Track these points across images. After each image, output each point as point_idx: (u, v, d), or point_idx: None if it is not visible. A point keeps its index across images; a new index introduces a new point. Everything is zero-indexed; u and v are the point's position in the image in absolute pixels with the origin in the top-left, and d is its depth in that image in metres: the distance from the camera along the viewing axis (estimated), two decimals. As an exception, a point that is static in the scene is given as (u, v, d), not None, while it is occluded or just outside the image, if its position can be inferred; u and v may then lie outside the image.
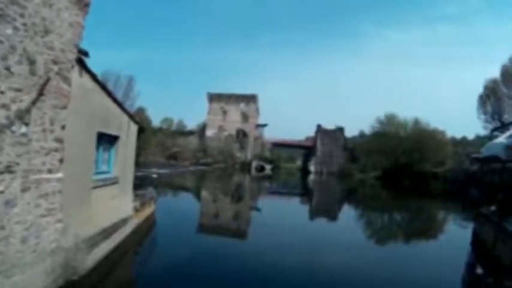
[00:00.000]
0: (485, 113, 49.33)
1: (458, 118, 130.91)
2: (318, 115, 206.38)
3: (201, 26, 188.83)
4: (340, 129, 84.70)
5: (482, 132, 52.14)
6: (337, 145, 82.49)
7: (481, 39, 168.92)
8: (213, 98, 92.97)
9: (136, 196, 13.93)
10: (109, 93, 9.96)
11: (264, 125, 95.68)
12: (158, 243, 12.99)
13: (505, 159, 11.84)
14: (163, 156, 74.33)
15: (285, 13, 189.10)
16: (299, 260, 11.54)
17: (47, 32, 5.79)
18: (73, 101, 6.90)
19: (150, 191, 17.24)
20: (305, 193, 44.15)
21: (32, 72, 5.55)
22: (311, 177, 72.29)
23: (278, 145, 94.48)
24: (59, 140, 6.49)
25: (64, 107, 6.57)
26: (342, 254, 12.83)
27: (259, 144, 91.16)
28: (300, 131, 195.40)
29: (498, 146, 11.21)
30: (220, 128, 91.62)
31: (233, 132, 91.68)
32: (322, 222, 22.21)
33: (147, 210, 15.12)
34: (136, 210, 13.25)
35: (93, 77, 8.40)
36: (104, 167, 10.36)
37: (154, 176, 33.68)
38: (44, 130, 6.05)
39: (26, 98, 5.49)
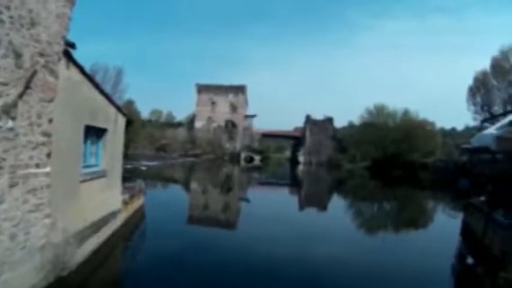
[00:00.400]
0: (475, 104, 49.70)
1: (448, 109, 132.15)
2: (307, 105, 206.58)
3: (189, 16, 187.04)
4: (329, 120, 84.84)
5: (472, 123, 52.61)
6: (326, 135, 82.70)
7: (472, 31, 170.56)
8: (202, 89, 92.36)
9: (125, 189, 13.84)
10: (96, 86, 9.82)
11: (253, 116, 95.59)
12: (148, 236, 12.94)
13: (495, 150, 11.94)
14: (152, 148, 73.92)
15: (275, 3, 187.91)
16: (288, 251, 11.62)
17: (33, 24, 5.65)
18: (60, 94, 6.78)
19: (139, 183, 17.16)
20: (294, 183, 44.40)
21: (18, 66, 5.42)
22: (300, 167, 72.60)
23: (267, 136, 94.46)
24: (47, 134, 6.39)
25: (51, 100, 6.45)
26: (331, 245, 12.95)
27: (248, 135, 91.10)
28: (289, 121, 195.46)
29: (488, 137, 11.27)
30: (209, 119, 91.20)
31: (222, 123, 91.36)
32: (311, 212, 22.36)
33: (136, 203, 15.06)
34: (126, 203, 13.19)
35: (80, 69, 8.25)
36: (92, 160, 10.25)
37: (143, 168, 33.65)
38: (31, 124, 5.94)
39: (13, 92, 5.37)
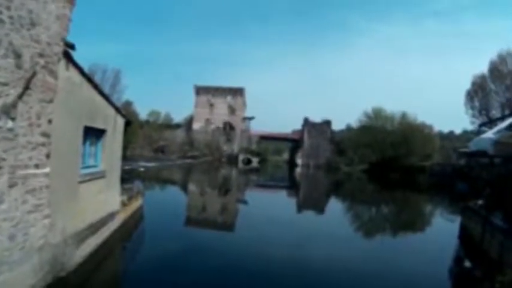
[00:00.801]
0: (472, 108, 49.79)
1: (446, 113, 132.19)
2: (305, 108, 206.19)
3: (188, 18, 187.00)
4: (327, 123, 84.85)
5: (470, 127, 52.74)
6: (324, 138, 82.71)
7: (470, 35, 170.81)
8: (200, 90, 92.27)
9: (123, 190, 13.85)
10: (95, 87, 9.83)
11: (251, 118, 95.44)
12: (146, 237, 12.93)
13: (493, 154, 11.99)
14: (150, 149, 73.85)
15: (273, 5, 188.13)
16: (286, 253, 11.64)
17: (33, 24, 5.66)
18: (59, 95, 6.80)
19: (137, 184, 17.15)
20: (292, 186, 44.36)
21: (18, 66, 5.44)
22: (298, 170, 72.55)
23: (265, 138, 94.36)
24: (46, 135, 6.40)
25: (50, 101, 6.47)
26: (329, 248, 12.96)
27: (246, 137, 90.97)
28: (287, 124, 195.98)
29: (486, 141, 11.33)
30: (207, 121, 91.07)
31: (220, 125, 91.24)
32: (309, 215, 22.38)
33: (135, 204, 15.03)
34: (124, 204, 13.19)
35: (80, 70, 8.27)
36: (91, 161, 10.25)
37: (142, 169, 33.58)
38: (30, 124, 5.95)
39: (12, 92, 5.38)
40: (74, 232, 7.96)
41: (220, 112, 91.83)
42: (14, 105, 5.44)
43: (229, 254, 11.29)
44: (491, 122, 23.03)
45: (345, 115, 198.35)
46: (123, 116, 12.98)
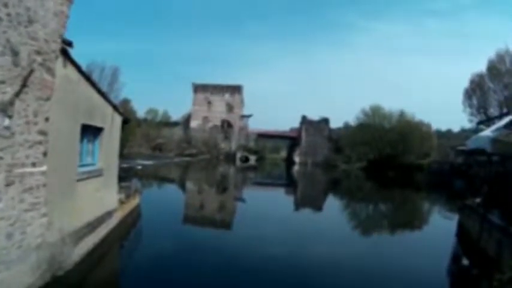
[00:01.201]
0: (470, 106, 49.75)
1: (444, 111, 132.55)
2: (303, 106, 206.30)
3: (186, 16, 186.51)
4: (325, 120, 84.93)
5: (468, 125, 52.79)
6: (322, 136, 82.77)
7: (468, 33, 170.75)
8: (198, 88, 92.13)
9: (121, 188, 13.83)
10: (93, 84, 9.78)
11: (249, 116, 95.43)
12: (144, 236, 12.90)
13: (491, 152, 11.99)
14: (148, 147, 73.70)
15: (271, 3, 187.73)
16: (284, 251, 11.64)
17: (30, 22, 5.61)
18: (57, 93, 6.74)
19: (135, 182, 17.10)
20: (290, 184, 44.38)
21: (15, 64, 5.39)
22: (296, 168, 72.61)
23: (263, 136, 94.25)
24: (43, 133, 6.35)
25: (48, 99, 6.42)
26: (327, 245, 12.98)
27: (244, 135, 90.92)
28: (285, 121, 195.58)
29: (484, 139, 11.31)
30: (205, 119, 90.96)
31: (218, 123, 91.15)
32: (307, 213, 22.36)
33: (132, 202, 15.01)
34: (121, 202, 13.17)
35: (77, 68, 8.23)
36: (88, 159, 10.21)
37: (139, 167, 33.51)
38: (27, 122, 5.90)
39: (9, 90, 5.34)
40: (71, 231, 7.92)
41: (218, 110, 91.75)
42: (11, 103, 5.40)
43: (227, 252, 11.27)
44: (489, 120, 23.07)
45: (342, 113, 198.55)
46: (121, 114, 12.95)
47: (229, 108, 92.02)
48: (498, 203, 11.27)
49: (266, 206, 22.95)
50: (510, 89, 44.43)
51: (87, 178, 9.54)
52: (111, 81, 50.15)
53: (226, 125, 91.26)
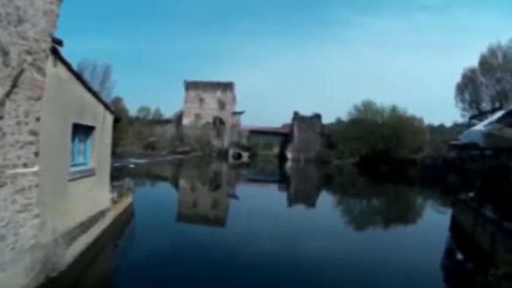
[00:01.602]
0: (463, 101, 50.00)
1: (436, 106, 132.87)
2: (295, 102, 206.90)
3: (177, 13, 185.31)
4: (317, 116, 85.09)
5: (460, 120, 53.06)
6: (315, 132, 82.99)
7: (461, 28, 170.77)
8: (190, 86, 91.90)
9: (113, 187, 13.78)
10: (84, 83, 9.71)
11: (241, 113, 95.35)
12: (137, 235, 12.84)
13: (484, 147, 12.10)
14: (140, 145, 73.37)
15: (262, 1, 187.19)
16: (278, 247, 11.71)
17: (20, 21, 5.54)
18: (47, 92, 6.68)
19: (128, 181, 17.02)
20: (283, 180, 44.51)
21: (5, 64, 5.32)
22: (288, 164, 72.77)
23: (255, 132, 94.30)
24: (34, 133, 6.29)
25: (38, 99, 6.35)
26: (322, 241, 13.06)
27: (236, 132, 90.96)
28: (277, 118, 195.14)
29: (477, 133, 11.40)
30: (197, 116, 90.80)
31: (210, 120, 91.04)
32: (300, 209, 22.48)
33: (125, 202, 14.95)
34: (114, 201, 13.11)
35: (68, 66, 8.16)
36: (80, 159, 10.14)
37: (132, 166, 33.35)
38: (18, 123, 5.84)
39: (0, 91, 5.28)
40: (64, 231, 7.87)
41: (210, 107, 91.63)
42: (1, 103, 5.34)
43: (221, 249, 11.29)
44: (481, 115, 23.23)
45: (335, 108, 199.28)
46: (112, 112, 12.88)
47: (221, 105, 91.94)
48: (491, 197, 11.38)
49: (259, 203, 23.02)
50: (502, 84, 44.73)
51: (80, 178, 9.48)
52: (102, 80, 49.90)
53: (219, 122, 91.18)
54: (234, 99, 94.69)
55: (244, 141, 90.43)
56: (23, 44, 5.71)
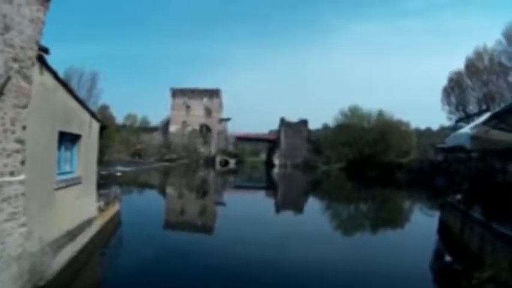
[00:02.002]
0: (449, 104, 50.54)
1: (423, 110, 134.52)
2: (281, 108, 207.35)
3: (162, 20, 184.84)
4: (304, 122, 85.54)
5: (447, 123, 53.55)
6: (301, 138, 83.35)
7: (446, 32, 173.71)
8: (176, 93, 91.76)
9: (100, 196, 13.68)
10: (70, 91, 9.69)
11: (228, 119, 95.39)
12: (124, 243, 12.76)
13: (470, 149, 12.27)
14: (127, 153, 72.66)
15: (248, 5, 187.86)
16: (266, 253, 11.73)
17: (7, 29, 5.53)
18: (33, 100, 6.64)
19: (115, 189, 16.92)
20: (270, 186, 44.55)
21: (-8, 72, 5.31)
22: (275, 170, 72.90)
23: (242, 139, 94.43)
24: (20, 141, 6.24)
25: (25, 107, 6.31)
26: (310, 246, 13.08)
27: (223, 139, 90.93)
28: (264, 124, 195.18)
29: (463, 136, 11.58)
30: (184, 124, 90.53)
31: (197, 127, 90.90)
32: (287, 215, 22.53)
33: (112, 210, 14.84)
34: (101, 210, 13.01)
35: (54, 74, 8.14)
36: (66, 167, 10.07)
37: (119, 174, 33.12)
38: (4, 131, 5.80)
39: (-14, 99, 5.25)
40: (51, 240, 7.80)
41: (197, 114, 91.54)
42: (-13, 111, 5.31)
43: (209, 257, 11.29)
44: (468, 118, 23.57)
45: (321, 114, 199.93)
46: (98, 120, 12.83)
47: (208, 112, 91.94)
48: (479, 199, 11.54)
49: (247, 210, 22.99)
50: (489, 86, 45.38)
51: (66, 186, 9.40)
52: (90, 87, 49.67)
53: (205, 129, 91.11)
54: (220, 106, 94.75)
55: (231, 148, 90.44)
56: (10, 52, 5.70)
